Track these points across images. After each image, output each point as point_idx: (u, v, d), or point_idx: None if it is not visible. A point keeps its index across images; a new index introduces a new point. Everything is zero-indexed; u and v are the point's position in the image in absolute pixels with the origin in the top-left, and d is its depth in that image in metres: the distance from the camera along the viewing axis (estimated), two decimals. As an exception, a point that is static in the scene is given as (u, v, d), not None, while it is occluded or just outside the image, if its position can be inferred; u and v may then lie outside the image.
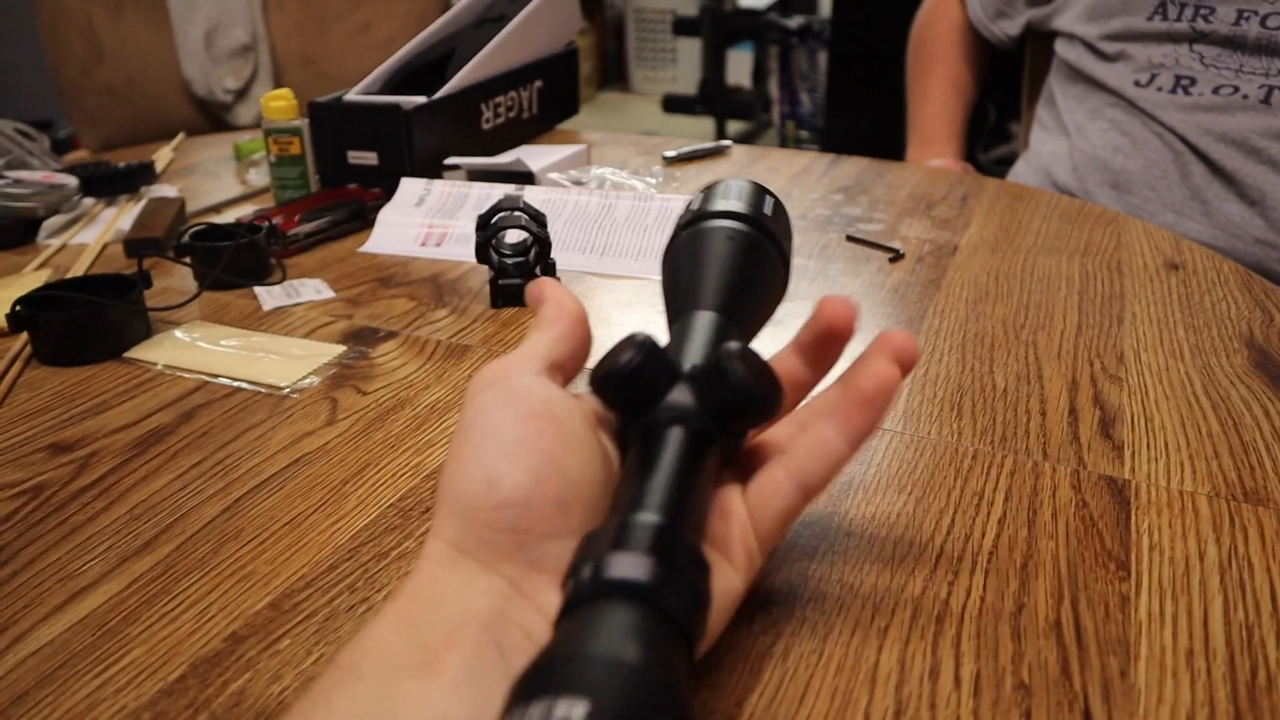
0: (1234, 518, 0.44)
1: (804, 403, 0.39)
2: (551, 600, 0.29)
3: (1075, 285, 0.71)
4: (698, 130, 4.39)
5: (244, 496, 0.45)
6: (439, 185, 0.82)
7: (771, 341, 0.41)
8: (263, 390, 0.55)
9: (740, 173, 0.97)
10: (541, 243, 0.65)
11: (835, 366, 0.39)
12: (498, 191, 0.80)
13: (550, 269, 0.66)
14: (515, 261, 0.65)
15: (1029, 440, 0.50)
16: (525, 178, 0.87)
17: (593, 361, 0.35)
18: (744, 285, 0.40)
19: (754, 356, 0.34)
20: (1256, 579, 0.40)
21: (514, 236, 0.68)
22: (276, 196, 0.91)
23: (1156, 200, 1.01)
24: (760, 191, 0.44)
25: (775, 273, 0.42)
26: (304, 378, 0.56)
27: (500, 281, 0.65)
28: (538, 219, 0.65)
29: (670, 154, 1.01)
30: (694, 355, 0.36)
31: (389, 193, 0.84)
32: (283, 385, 0.56)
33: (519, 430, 0.31)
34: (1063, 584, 0.39)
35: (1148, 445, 0.50)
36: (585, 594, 0.26)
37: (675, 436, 0.32)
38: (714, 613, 0.31)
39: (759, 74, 4.39)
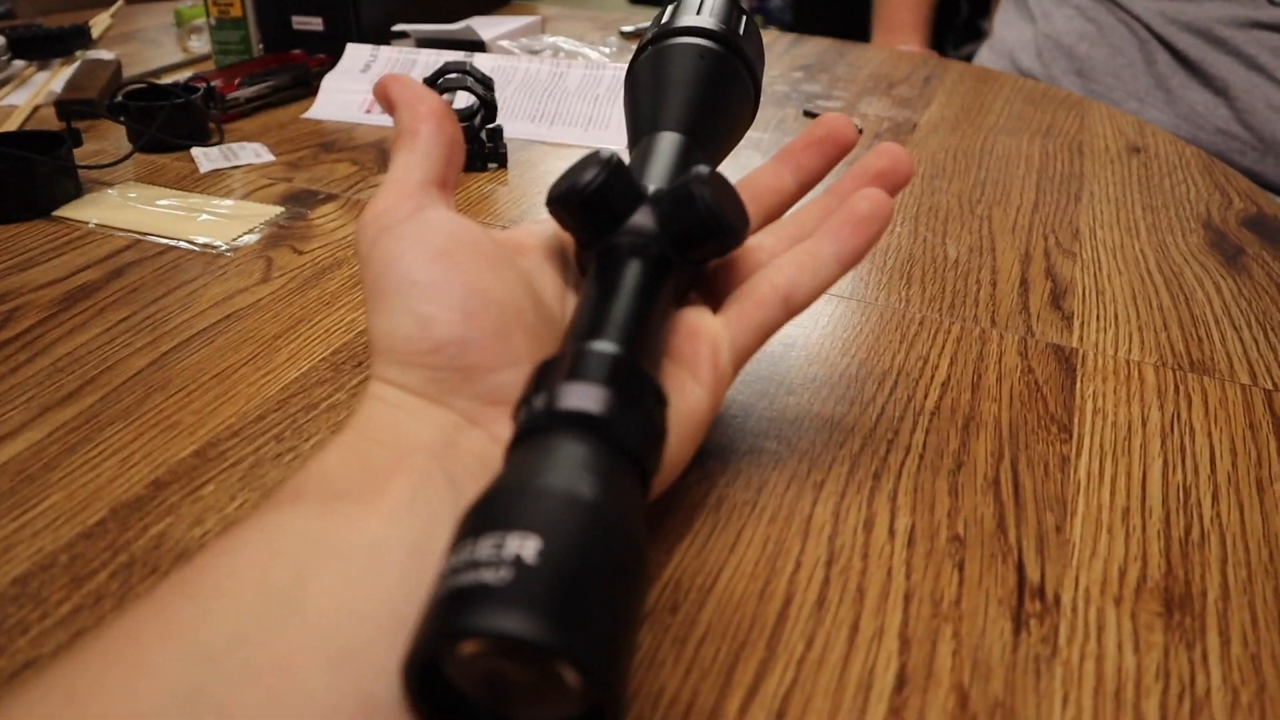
0: (1179, 386, 0.44)
1: (788, 214, 0.38)
2: (507, 430, 0.28)
3: (1034, 164, 0.70)
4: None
5: (172, 350, 0.44)
6: (386, 52, 0.79)
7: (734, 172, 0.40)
8: (196, 249, 0.53)
9: (701, 50, 0.95)
10: (488, 106, 0.63)
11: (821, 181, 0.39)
12: (447, 58, 0.77)
13: (497, 134, 0.64)
14: (462, 126, 0.62)
15: (978, 309, 0.50)
16: (476, 46, 0.84)
17: (550, 179, 0.34)
18: (711, 107, 0.38)
19: (722, 182, 0.32)
20: (1197, 443, 0.40)
21: (461, 101, 0.65)
22: (217, 62, 0.87)
23: (1120, 88, 1.00)
24: (732, 6, 0.41)
25: (745, 95, 0.40)
26: (239, 237, 0.54)
27: (446, 146, 0.62)
28: (484, 83, 0.63)
29: (628, 29, 0.98)
30: (657, 178, 0.34)
31: (335, 59, 0.81)
32: (218, 244, 0.54)
33: (433, 270, 0.29)
34: (1003, 444, 0.39)
35: (1097, 316, 0.50)
36: (537, 424, 0.25)
37: (635, 262, 0.31)
38: (683, 433, 0.30)
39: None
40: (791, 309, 0.33)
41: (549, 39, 0.84)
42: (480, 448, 0.28)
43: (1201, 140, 0.96)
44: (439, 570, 0.21)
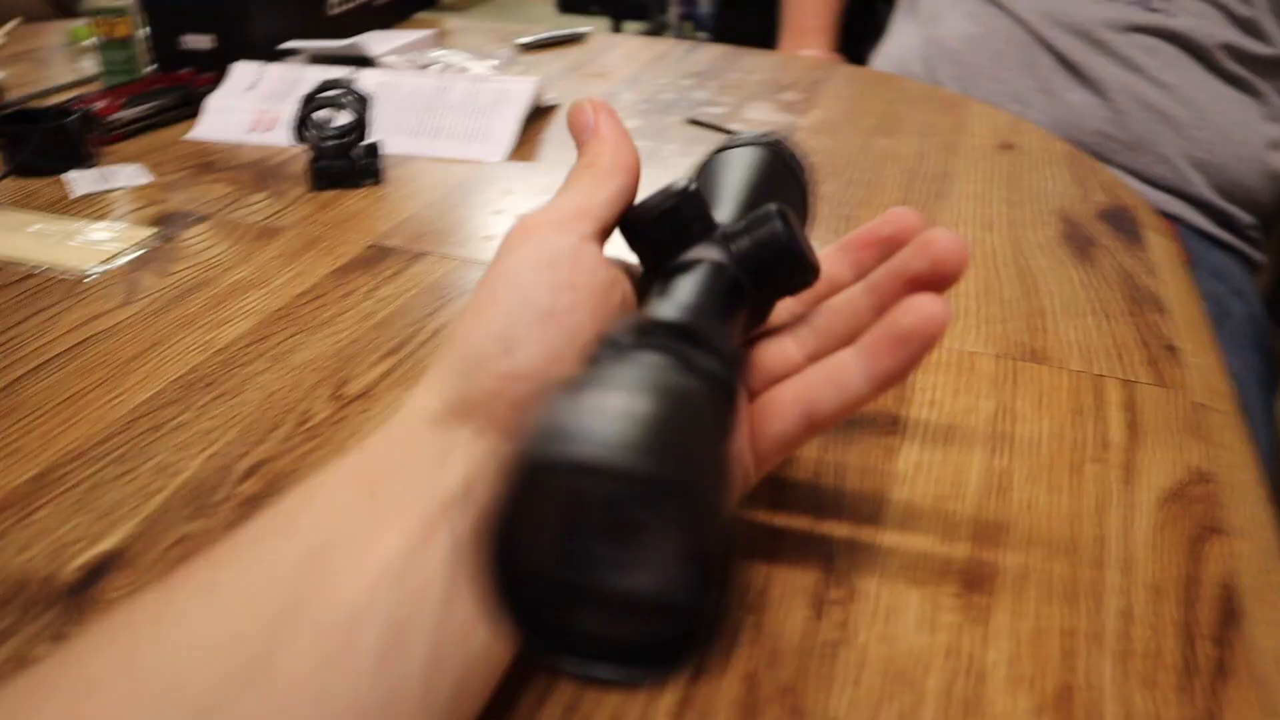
0: (1014, 375, 0.46)
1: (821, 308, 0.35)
2: None
3: (906, 164, 0.72)
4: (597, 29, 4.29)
5: (24, 376, 0.44)
6: (273, 70, 0.79)
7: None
8: (60, 274, 0.53)
9: (595, 59, 0.96)
10: (361, 125, 0.63)
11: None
12: (334, 75, 0.78)
13: (373, 151, 0.65)
14: (335, 143, 0.63)
15: (829, 308, 0.51)
16: (365, 62, 0.84)
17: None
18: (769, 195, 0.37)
19: (796, 219, 0.31)
20: (1021, 430, 0.42)
21: (343, 119, 0.66)
22: (105, 82, 0.87)
23: (1002, 90, 1.03)
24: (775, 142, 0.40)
25: (799, 199, 0.39)
26: (106, 261, 0.55)
27: (319, 163, 0.63)
28: (361, 100, 0.64)
29: (525, 40, 0.99)
30: (729, 215, 0.34)
31: (223, 78, 0.81)
32: (83, 268, 0.54)
33: (551, 298, 0.27)
34: (831, 439, 0.41)
35: (943, 311, 0.51)
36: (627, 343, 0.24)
37: (704, 270, 0.30)
38: None
39: (660, -33, 4.31)
40: (814, 427, 0.30)
41: (437, 53, 0.85)
42: None
43: (1081, 140, 0.99)
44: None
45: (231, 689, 0.20)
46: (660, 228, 0.31)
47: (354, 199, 0.62)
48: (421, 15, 1.12)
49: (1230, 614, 0.33)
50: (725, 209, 0.34)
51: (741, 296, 0.31)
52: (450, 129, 0.71)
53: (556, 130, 0.75)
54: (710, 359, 0.24)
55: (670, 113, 0.81)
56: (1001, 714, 0.29)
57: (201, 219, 0.60)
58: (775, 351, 0.33)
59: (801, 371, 0.31)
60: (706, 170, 0.39)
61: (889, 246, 0.34)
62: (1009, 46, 1.03)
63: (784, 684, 0.29)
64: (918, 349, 0.28)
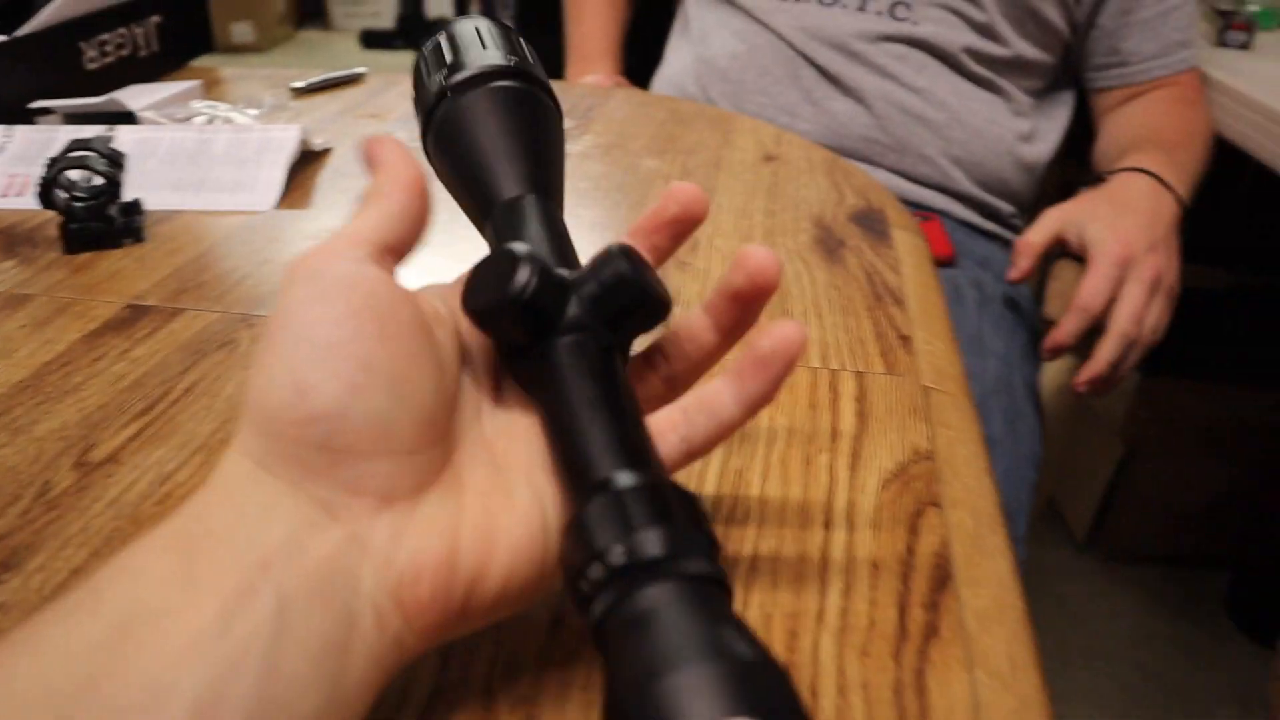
0: (760, 378, 0.49)
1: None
2: (373, 528, 0.26)
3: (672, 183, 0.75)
4: (399, 65, 4.26)
5: None
6: (21, 131, 0.77)
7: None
8: None
9: (371, 99, 0.96)
10: (113, 184, 0.62)
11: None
12: (89, 134, 0.76)
13: (132, 209, 0.63)
14: (87, 205, 0.62)
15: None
16: (124, 118, 0.82)
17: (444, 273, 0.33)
18: (542, 149, 0.36)
19: (634, 252, 0.31)
20: (758, 428, 0.45)
21: (94, 181, 0.64)
22: None
23: (771, 105, 1.08)
24: (481, 28, 0.38)
25: (555, 122, 0.38)
26: None
27: (71, 225, 0.61)
28: (112, 159, 0.62)
29: (299, 85, 0.98)
30: (555, 257, 0.33)
31: (-31, 144, 0.77)
32: None
33: (334, 332, 0.26)
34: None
35: (698, 323, 0.54)
36: (626, 588, 0.23)
37: (595, 362, 0.30)
38: (552, 544, 0.29)
39: (461, 5, 4.32)
40: (691, 454, 0.31)
41: (200, 104, 0.84)
42: (332, 552, 0.25)
43: (848, 147, 1.05)
44: None
45: None
46: (527, 316, 0.30)
47: (111, 260, 0.60)
48: (196, 64, 1.09)
49: (942, 580, 0.36)
50: (543, 246, 0.33)
51: (615, 356, 0.31)
52: (215, 181, 0.70)
53: (328, 175, 0.75)
54: (698, 535, 0.25)
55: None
56: (725, 698, 0.31)
57: (-59, 294, 0.58)
58: (639, 381, 0.34)
59: (673, 401, 0.32)
60: (464, 128, 0.36)
61: (680, 226, 0.35)
62: (773, 62, 1.08)
63: (521, 695, 0.30)
64: (780, 369, 0.30)
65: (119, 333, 0.52)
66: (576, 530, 0.25)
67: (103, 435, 0.43)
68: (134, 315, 0.53)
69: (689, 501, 0.26)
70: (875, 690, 0.31)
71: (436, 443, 0.28)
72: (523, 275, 0.29)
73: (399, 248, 0.31)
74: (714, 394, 0.31)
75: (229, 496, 0.25)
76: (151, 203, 0.67)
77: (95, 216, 0.62)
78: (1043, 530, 1.84)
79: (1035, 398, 0.95)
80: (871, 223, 0.69)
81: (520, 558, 0.28)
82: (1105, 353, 0.87)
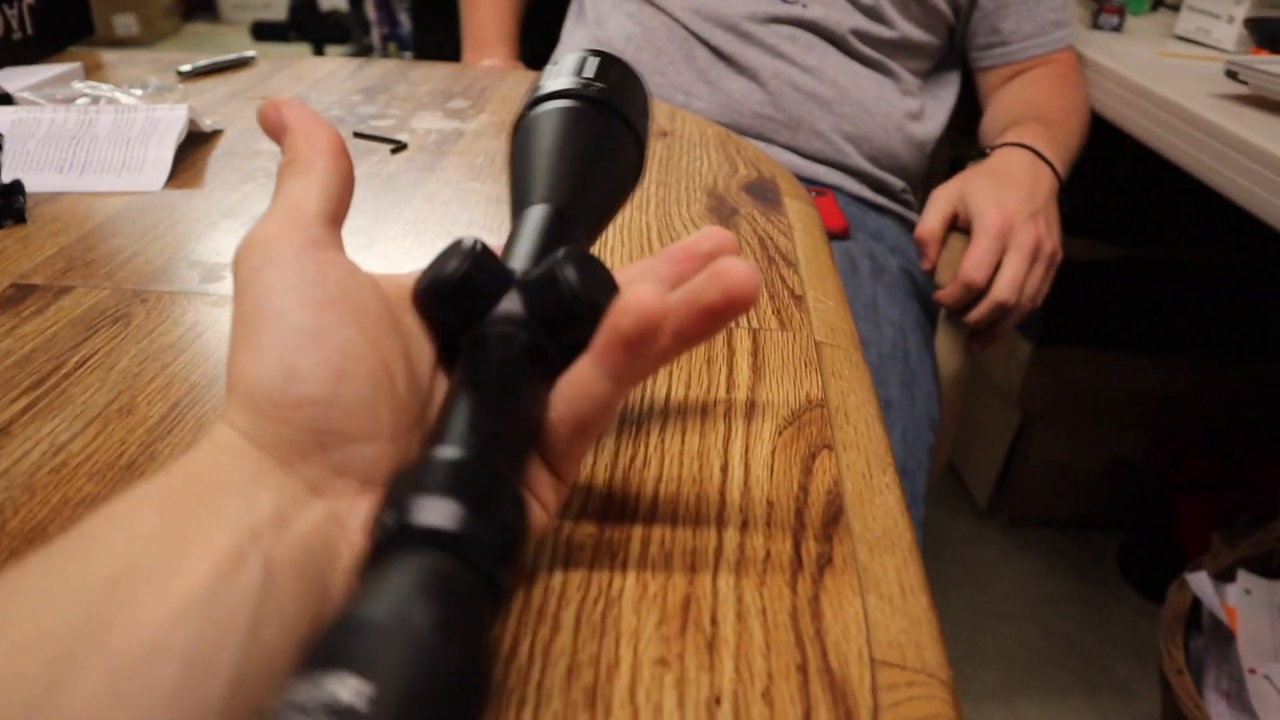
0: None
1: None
2: (354, 508, 0.27)
3: (571, 158, 0.76)
4: (294, 56, 4.19)
5: None
6: (-108, 116, 0.74)
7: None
8: None
9: (262, 83, 0.95)
10: (-8, 162, 0.60)
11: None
12: (-35, 117, 0.73)
13: (13, 189, 0.61)
14: (-34, 186, 0.60)
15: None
16: (0, 99, 0.80)
17: (411, 266, 0.33)
18: (581, 171, 0.36)
19: (587, 260, 0.31)
20: (657, 384, 0.46)
21: (-29, 161, 0.62)
22: None
23: (668, 84, 1.09)
24: (606, 62, 0.39)
25: (622, 153, 0.38)
26: None
27: (-52, 209, 0.59)
28: (-10, 139, 0.60)
29: (186, 69, 0.96)
30: (524, 258, 0.33)
31: None
32: None
33: (316, 320, 0.27)
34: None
35: (597, 287, 0.55)
36: (386, 543, 0.24)
37: (499, 353, 0.30)
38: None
39: (354, -5, 4.25)
40: (586, 433, 0.31)
41: (80, 85, 0.81)
42: (315, 527, 0.26)
43: (742, 124, 1.07)
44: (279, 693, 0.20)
45: None
46: (454, 300, 0.31)
47: (-8, 242, 0.59)
48: (75, 49, 1.06)
49: (835, 515, 0.38)
50: (520, 249, 0.34)
51: (543, 357, 0.31)
52: (100, 162, 0.68)
53: (219, 156, 0.74)
54: (487, 523, 0.24)
55: (339, 127, 0.82)
56: (628, 630, 0.32)
57: None
58: (577, 377, 0.32)
59: (556, 389, 0.31)
60: (519, 142, 0.37)
61: (708, 261, 0.32)
62: (668, 42, 1.09)
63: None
64: (647, 346, 0.28)
65: (3, 311, 0.50)
66: (389, 481, 0.26)
67: (-10, 410, 0.42)
68: (19, 294, 0.52)
69: (502, 497, 0.26)
70: (773, 616, 0.32)
71: (414, 428, 0.29)
72: (454, 261, 0.30)
73: (337, 215, 0.31)
74: (586, 379, 0.30)
75: (218, 465, 0.26)
76: (33, 185, 0.65)
77: (-26, 198, 0.60)
78: (946, 497, 1.90)
79: (931, 363, 0.98)
80: (764, 192, 0.70)
81: None
82: (977, 315, 0.92)
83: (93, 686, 0.20)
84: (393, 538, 0.24)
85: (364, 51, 4.13)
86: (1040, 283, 0.93)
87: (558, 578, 0.34)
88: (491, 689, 0.22)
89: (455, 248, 0.31)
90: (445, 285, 0.30)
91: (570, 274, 0.30)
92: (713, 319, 0.29)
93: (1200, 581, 1.21)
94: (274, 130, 0.33)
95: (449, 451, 0.26)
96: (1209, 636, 1.19)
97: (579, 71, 0.39)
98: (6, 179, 0.61)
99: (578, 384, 0.30)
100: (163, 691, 0.21)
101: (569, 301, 0.30)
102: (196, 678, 0.21)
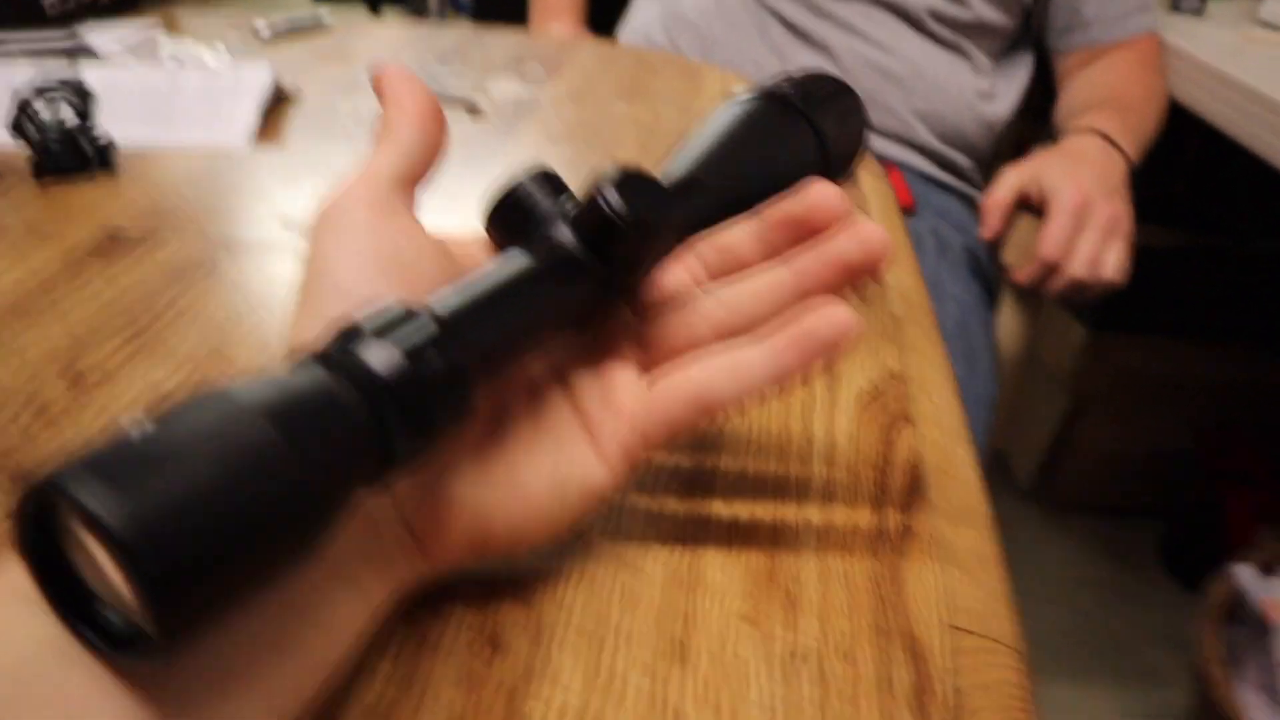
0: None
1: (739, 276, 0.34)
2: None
3: (645, 126, 0.76)
4: (351, 14, 4.20)
5: None
6: (-15, 66, 0.76)
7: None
8: None
9: (340, 45, 0.96)
10: (83, 118, 0.62)
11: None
12: (52, 68, 0.75)
13: (105, 147, 0.63)
14: (59, 136, 0.61)
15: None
16: (86, 53, 0.81)
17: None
18: (722, 147, 0.36)
19: (631, 177, 0.30)
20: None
21: (66, 112, 0.64)
22: None
23: (739, 57, 1.09)
24: (816, 77, 0.39)
25: (786, 140, 0.37)
26: None
27: (43, 156, 0.61)
28: (82, 93, 0.62)
29: (265, 33, 0.97)
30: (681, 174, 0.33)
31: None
32: None
33: (368, 285, 0.28)
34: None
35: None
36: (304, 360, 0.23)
37: (528, 255, 0.29)
38: (567, 499, 0.30)
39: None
40: (706, 413, 0.30)
41: (164, 42, 0.83)
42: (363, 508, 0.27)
43: (813, 98, 1.06)
44: None
45: None
46: (504, 212, 0.31)
47: (84, 191, 0.60)
48: (149, 7, 1.08)
49: (915, 486, 0.38)
50: (681, 168, 0.34)
51: (580, 271, 0.30)
52: (187, 118, 0.70)
53: (300, 116, 0.75)
54: (419, 381, 0.23)
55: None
56: (713, 585, 0.32)
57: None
58: (681, 324, 0.33)
59: (700, 358, 0.31)
60: (699, 130, 0.37)
61: (801, 228, 0.32)
62: (741, 15, 1.09)
63: (514, 577, 0.32)
64: (826, 355, 0.30)
65: (101, 258, 0.52)
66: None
67: (93, 355, 0.44)
68: (114, 243, 0.54)
69: (453, 370, 0.24)
70: (855, 579, 0.33)
71: None
72: (517, 182, 0.31)
73: (415, 177, 0.32)
74: (746, 362, 0.30)
75: None
76: (121, 138, 0.67)
77: (67, 148, 0.61)
78: (989, 478, 1.88)
79: (991, 343, 0.98)
80: (838, 166, 0.70)
81: (533, 505, 0.30)
82: (1051, 291, 0.91)
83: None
84: (313, 353, 0.23)
85: (421, 12, 4.13)
86: (1118, 259, 0.92)
87: (644, 529, 0.35)
88: (315, 524, 0.20)
89: (523, 169, 0.32)
90: (495, 198, 0.31)
91: (610, 192, 0.30)
92: (847, 276, 0.31)
93: (1245, 574, 1.20)
94: (380, 99, 0.33)
95: (396, 306, 0.25)
96: (1248, 630, 1.19)
97: (779, 79, 0.39)
98: (100, 137, 0.63)
99: (737, 366, 0.30)
100: None
101: (608, 219, 0.29)
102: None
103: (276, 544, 0.20)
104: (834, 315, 0.30)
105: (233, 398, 0.20)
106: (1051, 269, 0.91)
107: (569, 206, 0.31)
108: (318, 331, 0.27)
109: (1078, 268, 0.89)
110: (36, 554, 0.20)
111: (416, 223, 0.31)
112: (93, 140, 0.62)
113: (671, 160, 0.36)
